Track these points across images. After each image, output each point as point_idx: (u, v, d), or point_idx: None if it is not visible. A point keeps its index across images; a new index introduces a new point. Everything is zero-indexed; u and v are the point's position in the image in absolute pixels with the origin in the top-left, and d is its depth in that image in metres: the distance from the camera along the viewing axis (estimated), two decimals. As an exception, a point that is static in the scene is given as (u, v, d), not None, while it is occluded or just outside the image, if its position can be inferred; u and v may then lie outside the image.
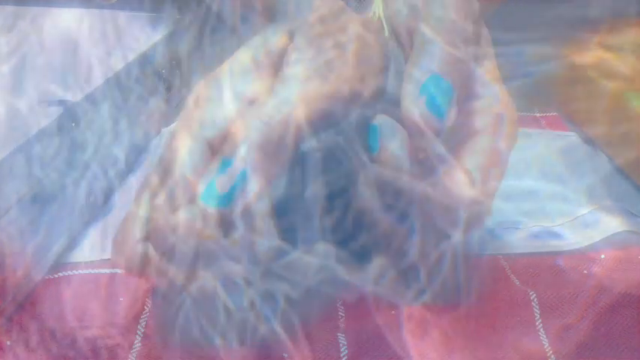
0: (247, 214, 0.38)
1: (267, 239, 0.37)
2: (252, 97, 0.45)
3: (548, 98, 0.52)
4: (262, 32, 0.48)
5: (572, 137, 0.48)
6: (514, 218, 0.40)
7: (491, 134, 0.34)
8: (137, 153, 0.45)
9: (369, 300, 0.34)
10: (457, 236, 0.33)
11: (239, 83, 0.46)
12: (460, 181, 0.34)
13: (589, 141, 0.46)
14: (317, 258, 0.35)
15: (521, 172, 0.44)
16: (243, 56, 0.47)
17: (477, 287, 0.35)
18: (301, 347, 0.32)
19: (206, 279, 0.34)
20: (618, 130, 0.43)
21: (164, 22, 0.49)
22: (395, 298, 0.34)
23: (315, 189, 0.38)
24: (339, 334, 0.32)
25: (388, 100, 0.36)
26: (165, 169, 0.42)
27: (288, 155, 0.37)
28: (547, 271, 0.36)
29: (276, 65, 0.47)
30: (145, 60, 0.44)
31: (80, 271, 0.36)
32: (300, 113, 0.45)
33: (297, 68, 0.46)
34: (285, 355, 0.31)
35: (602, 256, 0.37)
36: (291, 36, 0.49)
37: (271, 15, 0.49)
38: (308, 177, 0.39)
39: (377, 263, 0.35)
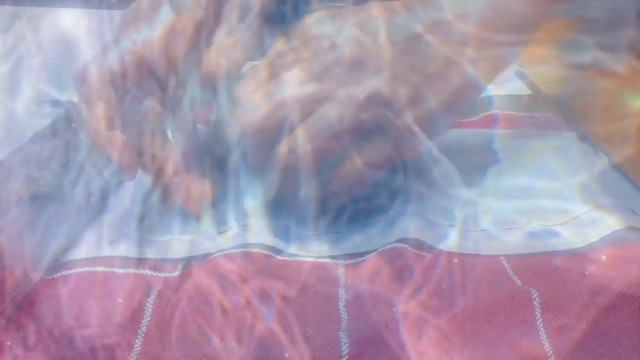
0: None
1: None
2: (247, 99, 0.45)
3: (544, 98, 0.52)
4: (260, 34, 0.48)
5: (569, 136, 0.48)
6: (511, 217, 0.40)
7: None
8: (136, 153, 0.45)
9: (371, 299, 0.34)
10: None
11: (234, 85, 0.46)
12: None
13: (586, 139, 0.47)
14: None
15: (518, 171, 0.44)
16: (239, 58, 0.47)
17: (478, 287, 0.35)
18: (302, 346, 0.32)
19: None
20: (616, 128, 0.44)
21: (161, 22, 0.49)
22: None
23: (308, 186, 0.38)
24: (340, 332, 0.32)
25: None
26: (158, 169, 0.42)
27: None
28: (548, 271, 0.36)
29: (273, 67, 0.47)
30: (142, 61, 0.44)
31: (79, 270, 0.36)
32: (295, 115, 0.45)
33: (293, 70, 0.47)
34: (287, 355, 0.31)
35: (603, 257, 0.37)
36: (288, 38, 0.49)
37: (268, 17, 0.49)
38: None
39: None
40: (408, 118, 0.35)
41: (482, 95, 0.43)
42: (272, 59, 0.42)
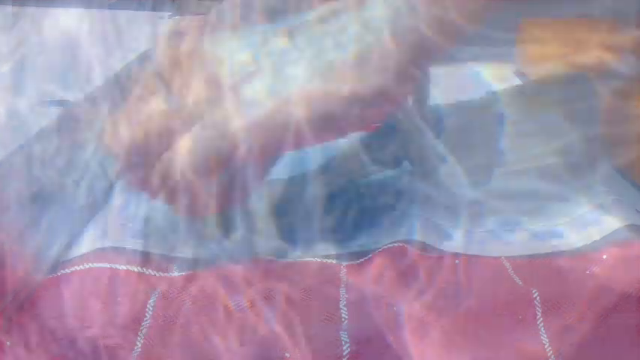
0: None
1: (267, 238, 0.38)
2: (252, 97, 0.45)
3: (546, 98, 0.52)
4: (262, 32, 0.48)
5: (571, 136, 0.48)
6: (515, 218, 0.40)
7: None
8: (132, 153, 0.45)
9: (372, 298, 0.34)
10: None
11: (238, 83, 0.46)
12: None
13: (589, 140, 0.46)
14: None
15: (521, 171, 0.44)
16: (243, 56, 0.47)
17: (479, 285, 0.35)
18: (303, 346, 0.32)
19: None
20: (618, 129, 0.43)
21: (164, 21, 0.49)
22: None
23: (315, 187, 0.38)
24: (341, 332, 0.32)
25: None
26: (165, 170, 0.42)
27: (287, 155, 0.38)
28: (549, 271, 0.36)
29: (276, 65, 0.47)
30: (144, 60, 0.44)
31: (80, 269, 0.36)
32: (300, 114, 0.45)
33: (297, 69, 0.46)
34: (287, 355, 0.31)
35: (605, 257, 0.37)
36: (291, 36, 0.49)
37: (271, 15, 0.49)
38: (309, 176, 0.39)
39: None
40: (414, 114, 0.35)
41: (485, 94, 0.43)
42: (276, 57, 0.42)
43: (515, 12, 0.41)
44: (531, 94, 0.54)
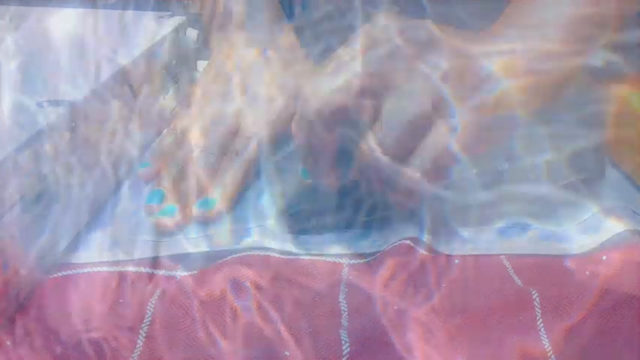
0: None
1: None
2: (261, 92, 0.46)
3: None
4: (270, 28, 0.48)
5: (575, 139, 0.48)
6: (515, 219, 0.40)
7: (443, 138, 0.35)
8: (142, 151, 0.45)
9: (372, 298, 0.34)
10: None
11: (248, 79, 0.46)
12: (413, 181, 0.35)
13: (591, 143, 0.46)
14: None
15: (522, 173, 0.44)
16: (251, 52, 0.47)
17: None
18: (303, 344, 0.32)
19: None
20: (622, 132, 0.43)
21: (171, 19, 0.49)
22: None
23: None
24: (341, 331, 0.32)
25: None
26: (157, 169, 0.42)
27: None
28: (549, 272, 0.36)
29: (285, 61, 0.47)
30: (151, 57, 0.44)
31: (82, 270, 0.36)
32: (310, 108, 0.45)
33: (306, 64, 0.47)
34: (287, 354, 0.31)
35: (604, 257, 0.37)
36: (299, 32, 0.50)
37: (278, 12, 0.50)
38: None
39: None
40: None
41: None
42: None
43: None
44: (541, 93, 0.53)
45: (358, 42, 0.36)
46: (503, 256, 0.37)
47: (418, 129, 0.35)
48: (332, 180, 0.37)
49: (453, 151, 0.35)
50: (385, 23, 0.36)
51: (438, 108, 0.35)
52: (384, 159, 0.35)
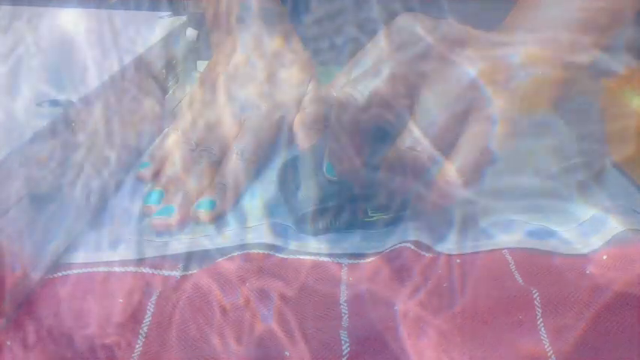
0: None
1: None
2: (246, 99, 0.46)
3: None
4: (257, 34, 0.48)
5: (569, 136, 0.48)
6: (511, 218, 0.40)
7: (484, 135, 0.35)
8: (135, 154, 0.45)
9: (372, 299, 0.34)
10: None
11: (233, 86, 0.46)
12: (453, 181, 0.34)
13: (587, 139, 0.46)
14: None
15: (518, 171, 0.44)
16: (238, 58, 0.47)
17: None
18: (302, 345, 0.32)
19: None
20: (616, 127, 0.43)
21: (161, 22, 0.49)
22: None
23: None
24: (340, 331, 0.32)
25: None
26: (156, 169, 0.42)
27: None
28: (550, 270, 0.36)
29: (271, 67, 0.47)
30: (141, 61, 0.44)
31: (82, 270, 0.36)
32: (296, 116, 0.45)
33: (309, 64, 0.46)
34: (287, 354, 0.31)
35: (605, 257, 0.37)
36: (287, 38, 0.49)
37: (282, 12, 0.50)
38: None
39: None
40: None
41: None
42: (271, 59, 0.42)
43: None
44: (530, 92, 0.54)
45: (384, 42, 0.36)
46: (505, 250, 0.37)
47: (455, 127, 0.35)
48: (360, 177, 0.37)
49: (492, 150, 0.34)
50: (410, 22, 0.36)
51: (475, 105, 0.35)
52: (423, 157, 0.35)
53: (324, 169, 0.39)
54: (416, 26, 0.36)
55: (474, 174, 0.35)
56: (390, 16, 0.37)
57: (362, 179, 0.37)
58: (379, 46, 0.36)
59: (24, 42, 0.44)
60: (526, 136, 0.43)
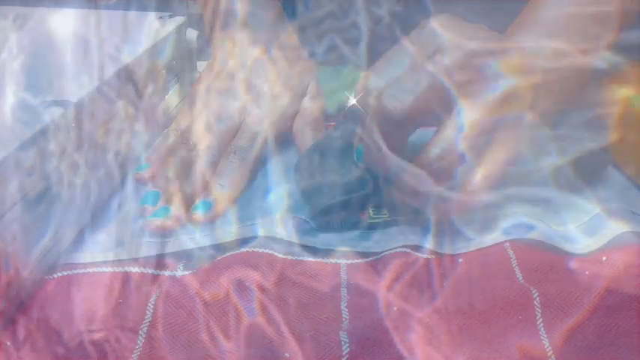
0: None
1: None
2: (245, 99, 0.46)
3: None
4: (257, 34, 0.48)
5: (575, 140, 0.47)
6: (525, 222, 0.40)
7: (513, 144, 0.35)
8: (144, 150, 0.45)
9: (372, 299, 0.34)
10: None
11: (251, 77, 0.46)
12: (478, 191, 0.34)
13: (592, 143, 0.46)
14: None
15: (521, 174, 0.44)
16: (254, 50, 0.48)
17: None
18: (302, 345, 0.32)
19: None
20: (624, 134, 0.43)
21: (171, 19, 0.49)
22: None
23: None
24: (341, 332, 0.32)
25: None
26: (155, 171, 0.42)
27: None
28: (550, 270, 0.36)
29: (288, 59, 0.47)
30: (152, 57, 0.45)
31: (83, 271, 0.36)
32: (315, 106, 0.46)
33: (308, 63, 0.46)
34: (287, 355, 0.31)
35: (605, 258, 0.37)
36: (286, 38, 0.50)
37: (279, 10, 0.50)
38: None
39: None
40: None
41: None
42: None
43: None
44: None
45: (420, 44, 0.36)
46: (507, 243, 0.37)
47: (486, 137, 0.35)
48: (388, 169, 0.37)
49: (460, 150, 0.35)
50: (448, 26, 0.36)
51: (443, 106, 0.35)
52: (449, 169, 0.35)
53: (355, 155, 0.38)
54: (454, 31, 0.35)
55: (498, 182, 0.35)
56: (390, 17, 0.37)
57: (389, 172, 0.37)
58: (414, 48, 0.36)
59: (34, 41, 0.44)
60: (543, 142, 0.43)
